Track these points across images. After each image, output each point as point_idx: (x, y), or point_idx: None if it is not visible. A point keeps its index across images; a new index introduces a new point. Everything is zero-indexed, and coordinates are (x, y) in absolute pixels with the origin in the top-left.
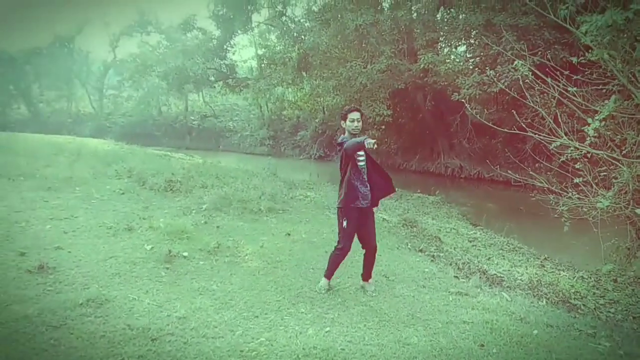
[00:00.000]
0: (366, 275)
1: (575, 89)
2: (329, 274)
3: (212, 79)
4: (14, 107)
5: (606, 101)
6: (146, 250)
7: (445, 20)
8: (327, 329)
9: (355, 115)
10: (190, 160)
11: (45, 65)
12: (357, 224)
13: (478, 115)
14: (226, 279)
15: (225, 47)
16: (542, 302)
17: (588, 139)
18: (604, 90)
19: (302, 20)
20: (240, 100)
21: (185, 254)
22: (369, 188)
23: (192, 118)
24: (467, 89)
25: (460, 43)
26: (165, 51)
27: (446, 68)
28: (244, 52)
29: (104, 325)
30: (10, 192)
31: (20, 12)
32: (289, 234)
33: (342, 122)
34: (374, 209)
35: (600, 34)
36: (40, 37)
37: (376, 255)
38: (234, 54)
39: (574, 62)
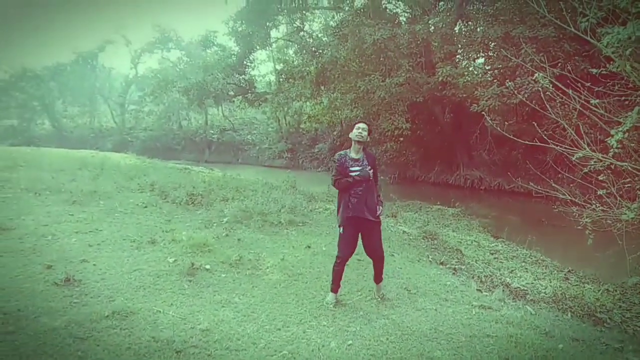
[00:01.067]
0: (376, 278)
1: (597, 100)
2: (334, 287)
3: (232, 93)
4: (38, 123)
5: (629, 112)
6: (169, 263)
7: (463, 32)
8: (350, 342)
9: (362, 125)
10: (210, 174)
11: (69, 82)
12: (353, 233)
13: (498, 127)
14: (248, 292)
15: (244, 62)
16: (567, 315)
17: (611, 150)
18: (626, 102)
19: (319, 35)
20: (259, 114)
21: (208, 266)
22: (362, 201)
23: (212, 132)
24: (486, 101)
25: (478, 55)
26: (185, 67)
27: (464, 80)
28: (263, 67)
29: (130, 337)
30: (36, 206)
31: (45, 31)
32: (309, 247)
33: (351, 133)
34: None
35: (622, 46)
36: (64, 55)
37: (383, 263)
38: (253, 69)
39: (594, 73)
